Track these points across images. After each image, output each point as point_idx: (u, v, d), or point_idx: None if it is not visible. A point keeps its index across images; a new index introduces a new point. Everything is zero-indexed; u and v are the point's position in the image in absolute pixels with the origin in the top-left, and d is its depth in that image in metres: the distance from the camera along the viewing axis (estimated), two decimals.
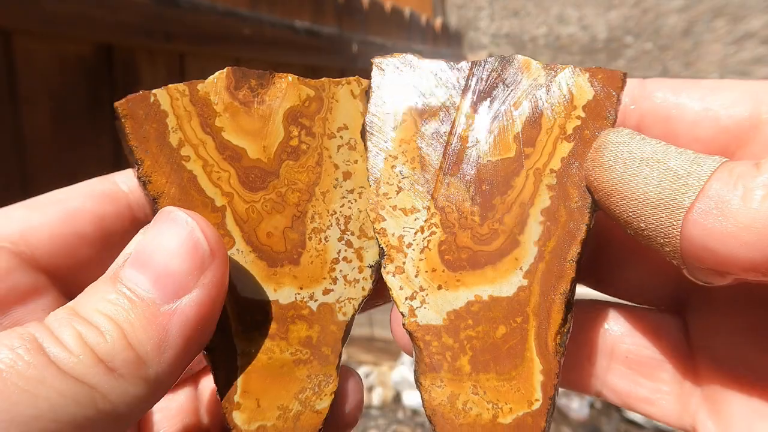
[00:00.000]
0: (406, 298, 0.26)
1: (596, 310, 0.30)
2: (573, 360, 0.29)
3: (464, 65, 0.27)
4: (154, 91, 0.27)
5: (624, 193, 0.23)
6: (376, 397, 1.43)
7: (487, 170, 0.27)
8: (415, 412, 1.38)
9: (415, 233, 0.27)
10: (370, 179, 0.27)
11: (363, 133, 0.28)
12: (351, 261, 0.28)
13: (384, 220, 0.27)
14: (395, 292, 0.26)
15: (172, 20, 1.19)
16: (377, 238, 0.27)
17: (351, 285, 0.28)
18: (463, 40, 3.88)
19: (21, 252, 0.25)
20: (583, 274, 0.30)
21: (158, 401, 0.22)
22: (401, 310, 0.26)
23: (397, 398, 1.43)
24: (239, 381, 0.26)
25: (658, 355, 0.28)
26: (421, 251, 0.27)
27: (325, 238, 0.28)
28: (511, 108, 0.27)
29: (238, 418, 0.26)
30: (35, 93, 0.97)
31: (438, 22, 3.22)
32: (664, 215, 0.22)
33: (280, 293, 0.27)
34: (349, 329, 0.28)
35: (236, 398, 0.26)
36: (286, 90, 0.28)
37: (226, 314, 0.26)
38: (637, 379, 0.28)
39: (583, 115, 0.26)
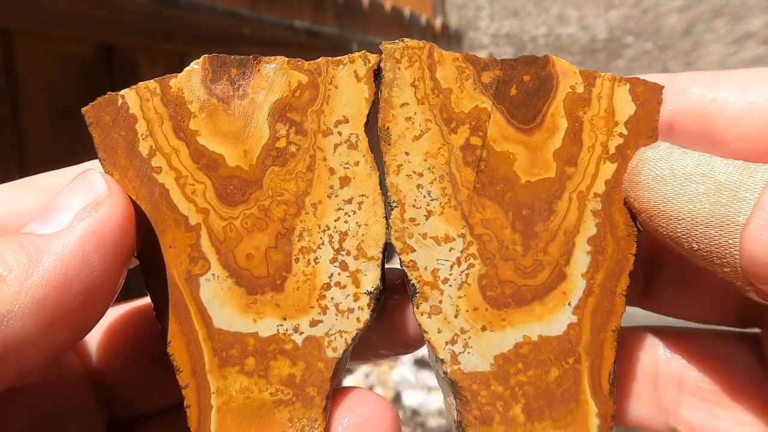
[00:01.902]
0: (447, 343, 0.24)
1: (649, 336, 0.27)
2: (634, 395, 0.27)
3: (493, 63, 0.24)
4: (122, 92, 0.24)
5: (669, 213, 0.21)
6: None
7: (526, 191, 0.24)
8: (415, 412, 1.38)
9: (452, 266, 0.24)
10: (390, 200, 0.24)
11: (368, 125, 0.24)
12: (345, 287, 0.24)
13: (413, 251, 0.24)
14: (432, 336, 0.24)
15: (172, 20, 1.19)
16: (406, 272, 0.24)
17: (343, 316, 0.24)
18: (463, 40, 3.88)
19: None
20: (638, 296, 0.28)
21: (33, 329, 0.19)
22: (441, 357, 0.24)
23: (397, 398, 1.43)
24: (213, 422, 0.23)
25: (733, 382, 0.26)
26: (460, 287, 0.24)
27: (315, 259, 0.24)
28: (548, 118, 0.24)
29: None
30: (35, 93, 0.97)
31: (438, 22, 3.22)
32: (717, 234, 0.20)
33: (260, 325, 0.24)
34: (342, 368, 0.25)
35: None
36: (273, 78, 0.24)
37: (200, 348, 0.24)
38: (715, 411, 0.26)
39: (625, 132, 0.24)
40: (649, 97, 0.24)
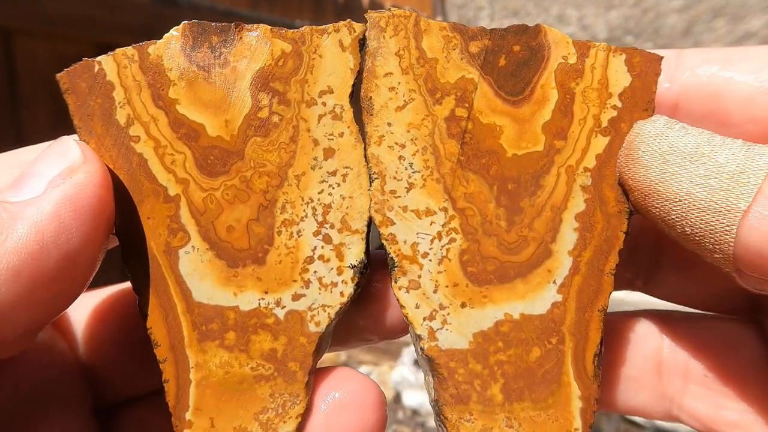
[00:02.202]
0: (424, 319, 0.23)
1: (654, 323, 0.26)
2: (635, 383, 0.26)
3: (481, 32, 0.23)
4: (99, 58, 0.23)
5: (665, 193, 0.20)
6: None
7: (512, 165, 0.23)
8: (415, 412, 1.38)
9: (432, 240, 0.23)
10: (371, 172, 0.23)
11: (353, 96, 0.24)
12: (329, 260, 0.23)
13: (393, 223, 0.23)
14: (410, 311, 0.23)
15: (172, 20, 1.19)
16: (384, 246, 0.23)
17: (327, 289, 0.23)
18: None
19: None
20: (642, 280, 0.28)
21: (10, 296, 0.19)
22: (418, 332, 0.23)
23: (397, 398, 1.43)
24: (191, 397, 0.23)
25: (740, 371, 0.25)
26: (440, 262, 0.23)
27: (298, 232, 0.23)
28: (538, 90, 0.23)
29: None
30: (35, 93, 0.97)
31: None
32: (714, 219, 0.19)
33: (240, 298, 0.23)
34: (325, 343, 0.24)
35: (187, 416, 0.23)
36: (255, 46, 0.23)
37: (178, 322, 0.23)
38: (721, 402, 0.25)
39: (619, 104, 0.23)
40: (646, 68, 0.23)
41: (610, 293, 0.23)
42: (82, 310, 0.28)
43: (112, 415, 0.28)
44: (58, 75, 0.23)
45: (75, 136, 0.23)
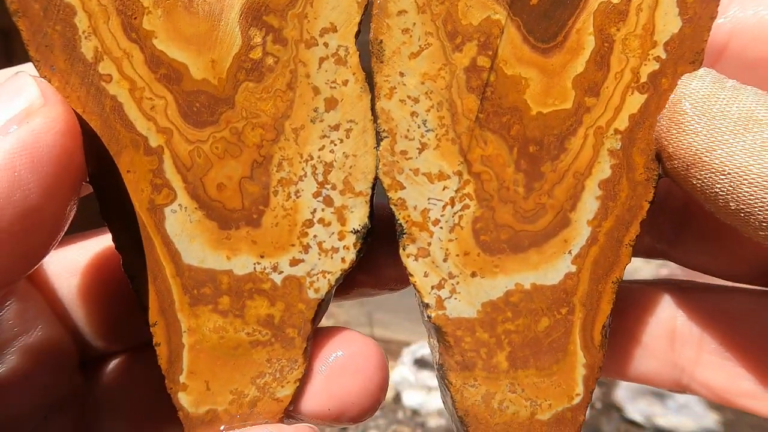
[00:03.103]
0: (433, 287, 0.22)
1: (669, 292, 0.25)
2: (645, 351, 0.25)
3: None
4: None
5: (711, 165, 0.18)
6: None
7: (536, 125, 0.21)
8: (415, 412, 1.38)
9: (444, 206, 0.22)
10: (380, 129, 0.21)
11: (359, 35, 0.21)
12: (329, 224, 0.22)
13: (402, 188, 0.21)
14: (418, 279, 0.22)
15: None
16: (393, 210, 0.22)
17: (327, 255, 0.22)
18: None
19: None
20: (665, 245, 0.26)
21: None
22: (426, 301, 0.22)
23: (397, 398, 1.43)
24: (185, 361, 0.22)
25: (757, 342, 0.24)
26: (451, 230, 0.22)
27: (296, 192, 0.21)
28: (573, 35, 0.20)
29: (184, 399, 0.22)
30: None
31: None
32: (766, 195, 0.17)
33: (234, 262, 0.22)
34: (324, 309, 0.23)
35: (182, 378, 0.22)
36: None
37: (168, 285, 0.21)
38: (736, 371, 0.24)
39: (663, 55, 0.20)
40: (700, 9, 0.20)
41: (627, 264, 0.22)
42: (60, 263, 0.26)
43: (97, 367, 0.27)
44: None
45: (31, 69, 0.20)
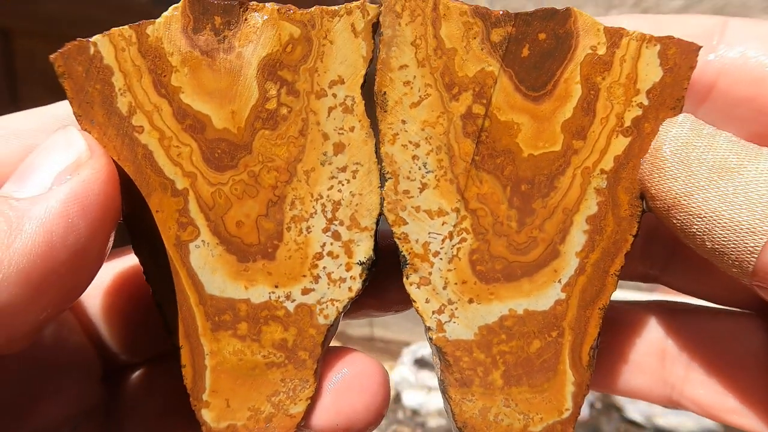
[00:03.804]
0: (433, 312, 0.24)
1: (660, 312, 0.27)
2: (637, 368, 0.27)
3: (506, 18, 0.22)
4: (94, 38, 0.22)
5: (689, 208, 0.20)
6: None
7: (528, 166, 0.23)
8: (415, 412, 1.38)
9: (443, 240, 0.23)
10: (384, 171, 0.23)
11: (364, 85, 0.23)
12: (337, 256, 0.24)
13: (405, 223, 0.23)
14: (420, 305, 0.24)
15: None
16: (397, 243, 0.24)
17: (335, 285, 0.24)
18: None
19: None
20: (658, 271, 0.28)
21: (19, 299, 0.19)
22: (427, 324, 0.24)
23: (397, 398, 1.43)
24: (207, 380, 0.24)
25: (743, 361, 0.25)
26: (450, 261, 0.24)
27: (307, 228, 0.23)
28: (561, 84, 0.22)
29: (207, 415, 0.24)
30: (35, 93, 0.97)
31: None
32: (738, 239, 0.19)
33: (252, 292, 0.24)
34: (333, 333, 0.25)
35: (204, 396, 0.24)
36: (261, 30, 0.22)
37: (192, 313, 0.24)
38: (724, 390, 0.25)
39: (646, 102, 0.22)
40: (680, 61, 0.21)
41: (612, 292, 0.24)
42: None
43: (118, 378, 0.29)
44: (52, 56, 0.22)
45: (73, 122, 0.22)
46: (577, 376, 0.24)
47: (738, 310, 0.27)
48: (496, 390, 0.24)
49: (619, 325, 0.27)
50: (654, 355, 0.27)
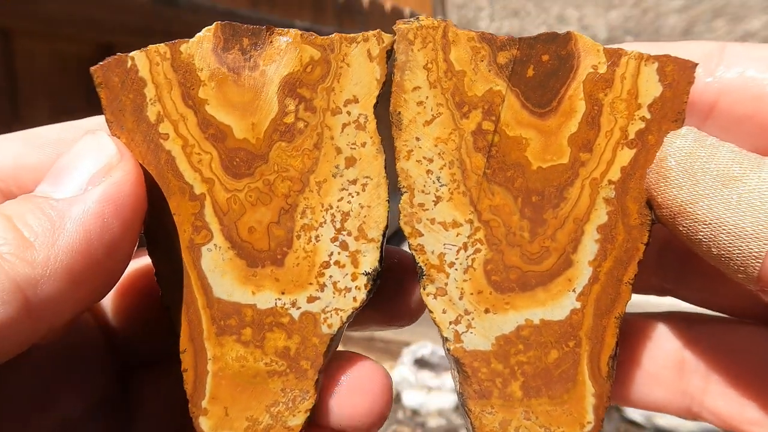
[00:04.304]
0: (450, 323, 0.24)
1: (677, 323, 0.27)
2: (655, 380, 0.27)
3: (510, 42, 0.23)
4: (132, 53, 0.23)
5: (695, 215, 0.20)
6: None
7: (537, 178, 0.24)
8: (415, 412, 1.38)
9: (458, 251, 0.24)
10: (400, 186, 0.24)
11: (377, 106, 0.24)
12: (344, 266, 0.24)
13: (421, 235, 0.24)
14: (438, 316, 0.24)
15: (172, 20, 1.19)
16: (414, 256, 0.24)
17: (341, 294, 0.24)
18: None
19: (9, 192, 0.24)
20: (672, 283, 0.28)
21: (63, 292, 0.20)
22: (445, 335, 0.24)
23: (397, 398, 1.43)
24: (208, 386, 0.24)
25: (760, 372, 0.25)
26: (465, 271, 0.24)
27: (316, 237, 0.24)
28: (566, 101, 0.23)
29: (204, 424, 0.24)
30: (35, 93, 0.97)
31: None
32: (743, 244, 0.19)
33: (258, 297, 0.24)
34: (336, 344, 0.25)
35: (203, 404, 0.24)
36: (285, 51, 0.24)
37: (199, 316, 0.24)
38: (744, 401, 0.25)
39: (648, 116, 0.23)
40: (678, 77, 0.23)
41: (628, 301, 0.24)
42: None
43: (132, 374, 0.30)
44: (92, 68, 0.23)
45: (98, 124, 0.24)
46: (597, 387, 0.24)
47: (750, 320, 0.27)
48: (516, 402, 0.24)
49: (634, 336, 0.27)
50: (672, 367, 0.27)
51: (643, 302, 0.28)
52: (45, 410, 0.26)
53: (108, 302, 0.29)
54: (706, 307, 0.28)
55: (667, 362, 0.27)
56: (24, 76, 0.96)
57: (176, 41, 0.23)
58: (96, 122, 0.25)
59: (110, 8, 1.06)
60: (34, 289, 0.19)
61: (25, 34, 0.96)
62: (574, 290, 0.24)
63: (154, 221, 0.24)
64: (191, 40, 0.23)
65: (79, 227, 0.20)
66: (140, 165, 0.23)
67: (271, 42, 0.24)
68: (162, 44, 0.23)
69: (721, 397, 0.26)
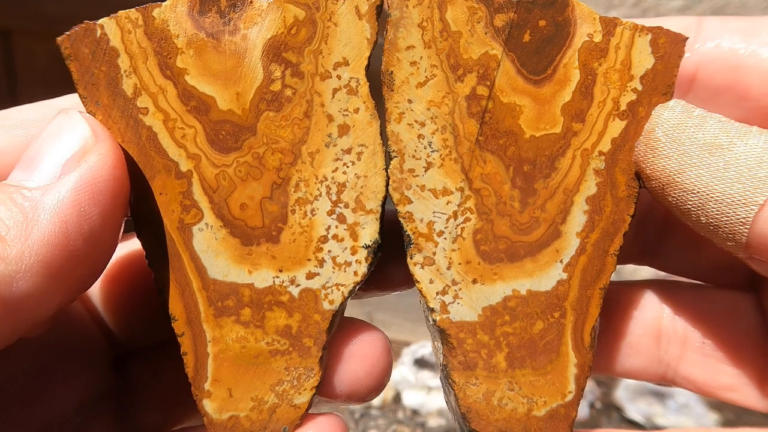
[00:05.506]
0: (437, 293, 0.24)
1: (655, 292, 0.27)
2: (632, 348, 0.27)
3: (508, 4, 0.22)
4: (100, 21, 0.22)
5: (683, 185, 0.21)
6: (376, 397, 1.42)
7: (529, 147, 0.23)
8: (415, 412, 1.38)
9: (447, 219, 0.23)
10: (390, 150, 0.23)
11: (369, 68, 0.23)
12: (342, 240, 0.23)
13: (410, 202, 0.23)
14: (424, 286, 0.24)
15: None
16: (401, 223, 0.24)
17: (341, 269, 0.23)
18: None
19: None
20: (649, 254, 0.29)
21: (41, 287, 0.19)
22: (431, 306, 0.24)
23: (397, 398, 1.43)
24: (209, 369, 0.23)
25: (736, 338, 0.26)
26: (454, 240, 0.24)
27: (312, 211, 0.23)
28: (560, 69, 0.23)
29: (208, 406, 0.23)
30: (35, 93, 0.97)
31: None
32: (730, 211, 0.20)
33: (255, 276, 0.23)
34: (338, 319, 0.25)
35: (206, 386, 0.23)
36: (266, 12, 0.22)
37: (194, 298, 0.23)
38: (717, 367, 0.26)
39: (639, 87, 0.23)
40: (670, 49, 0.22)
41: (612, 272, 0.24)
42: None
43: (126, 363, 0.29)
44: (59, 39, 0.22)
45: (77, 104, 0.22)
46: (579, 358, 0.24)
47: (727, 288, 0.27)
48: (500, 373, 0.24)
49: (614, 305, 0.27)
50: (649, 335, 0.27)
51: (621, 270, 0.28)
52: (33, 405, 0.25)
53: (97, 290, 0.28)
54: (684, 276, 0.28)
55: (645, 331, 0.27)
56: (24, 76, 0.96)
57: (147, 5, 0.22)
58: (72, 101, 0.24)
59: (110, 8, 1.06)
60: (8, 286, 0.18)
61: (25, 34, 0.96)
62: (561, 261, 0.24)
63: (141, 203, 0.23)
64: (164, 3, 0.22)
65: (54, 218, 0.19)
66: (120, 145, 0.22)
67: (251, 2, 0.22)
68: (133, 9, 0.22)
69: (697, 364, 0.26)
